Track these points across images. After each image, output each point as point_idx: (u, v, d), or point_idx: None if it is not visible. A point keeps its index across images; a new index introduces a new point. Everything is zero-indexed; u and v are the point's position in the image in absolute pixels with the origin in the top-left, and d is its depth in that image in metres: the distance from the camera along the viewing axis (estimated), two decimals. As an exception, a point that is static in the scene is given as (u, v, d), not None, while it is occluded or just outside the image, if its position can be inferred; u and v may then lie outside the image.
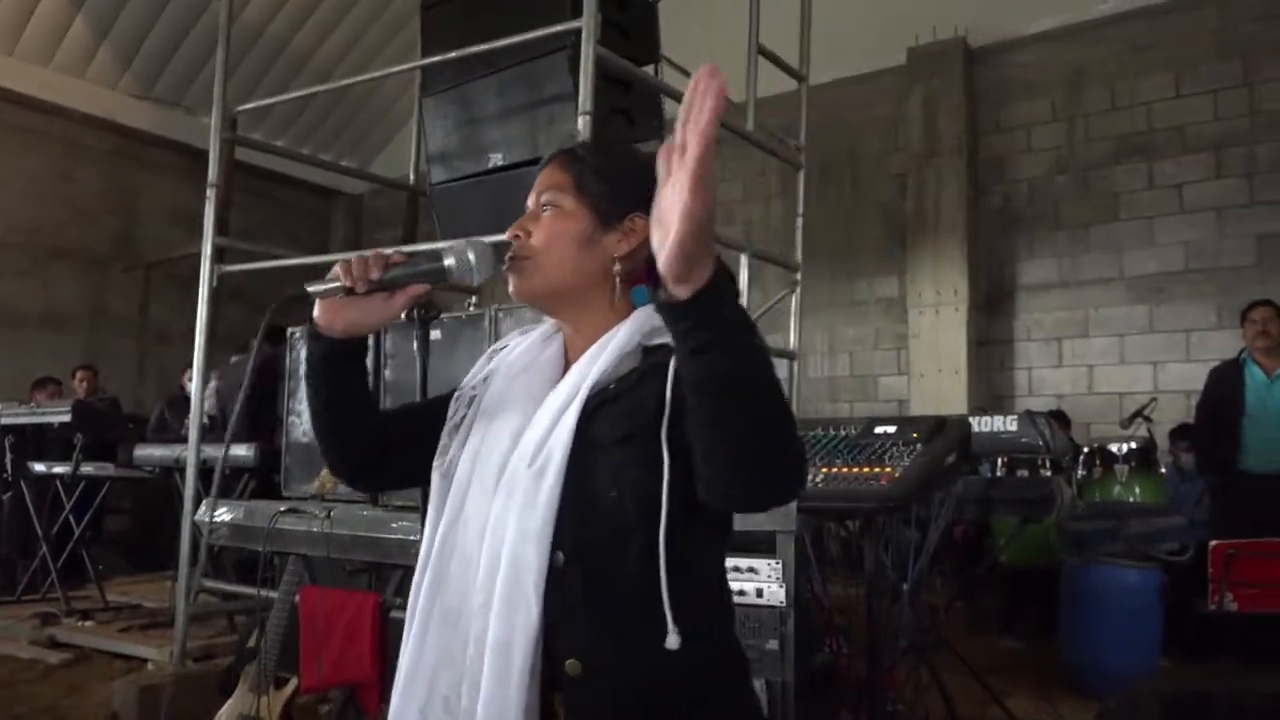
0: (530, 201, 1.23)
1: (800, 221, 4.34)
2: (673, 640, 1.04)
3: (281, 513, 2.58)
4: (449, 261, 1.15)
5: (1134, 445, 4.77)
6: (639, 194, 1.18)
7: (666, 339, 1.11)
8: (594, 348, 1.15)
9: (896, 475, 2.14)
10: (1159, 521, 3.93)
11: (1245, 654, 2.71)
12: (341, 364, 1.22)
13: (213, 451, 4.51)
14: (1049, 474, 4.29)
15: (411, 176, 4.84)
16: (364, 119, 10.45)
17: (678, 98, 3.73)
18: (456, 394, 1.26)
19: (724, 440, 0.96)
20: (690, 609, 1.06)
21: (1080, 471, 4.76)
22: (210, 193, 3.94)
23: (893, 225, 7.74)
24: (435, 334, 3.68)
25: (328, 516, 2.46)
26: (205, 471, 4.49)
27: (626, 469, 1.08)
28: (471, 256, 1.16)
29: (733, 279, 0.95)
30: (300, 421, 4.07)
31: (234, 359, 6.45)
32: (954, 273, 7.25)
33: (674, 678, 1.08)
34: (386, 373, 3.76)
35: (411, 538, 2.23)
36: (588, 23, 3.10)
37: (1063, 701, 3.64)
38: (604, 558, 1.09)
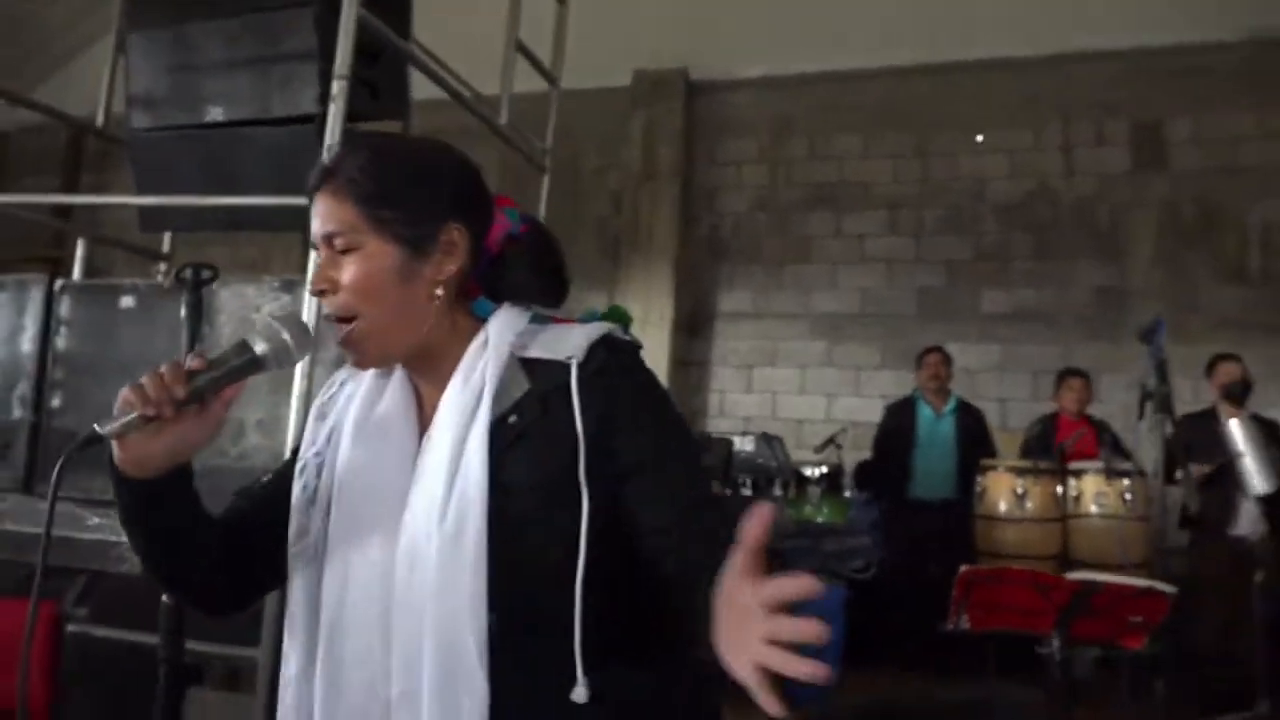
0: (315, 236, 1.07)
1: (539, 226, 4.25)
2: (580, 693, 0.96)
3: (-71, 502, 2.07)
4: (260, 349, 1.00)
5: (824, 470, 5.18)
6: (441, 200, 1.08)
7: (542, 350, 1.04)
8: (459, 374, 1.04)
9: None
10: (849, 541, 4.28)
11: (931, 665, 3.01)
12: (169, 504, 1.04)
13: None
14: (749, 493, 4.54)
15: (100, 117, 4.18)
16: (21, 44, 9.00)
17: (430, 76, 3.54)
18: (299, 464, 1.10)
19: None
20: (612, 657, 0.98)
21: (777, 492, 5.10)
22: None
23: (606, 240, 7.90)
24: (127, 301, 3.20)
25: (-4, 509, 2.01)
26: None
27: (549, 513, 0.99)
28: (287, 337, 1.01)
29: None
30: (-66, 390, 3.36)
31: None
32: (661, 294, 7.53)
33: None
34: (59, 341, 3.20)
35: (113, 539, 1.87)
36: (352, -21, 2.84)
37: (758, 712, 3.81)
38: (536, 611, 0.98)
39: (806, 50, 7.42)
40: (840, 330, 7.48)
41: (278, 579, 1.11)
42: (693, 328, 7.73)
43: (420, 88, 3.63)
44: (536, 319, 1.10)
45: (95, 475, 2.86)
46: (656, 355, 7.42)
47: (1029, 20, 6.91)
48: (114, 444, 0.98)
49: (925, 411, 5.16)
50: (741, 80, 7.83)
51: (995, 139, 7.24)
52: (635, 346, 1.09)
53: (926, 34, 7.09)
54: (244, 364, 1.00)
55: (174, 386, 0.96)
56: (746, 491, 4.11)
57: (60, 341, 3.21)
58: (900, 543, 4.75)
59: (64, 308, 3.24)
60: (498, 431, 1.00)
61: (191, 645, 2.30)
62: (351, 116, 3.27)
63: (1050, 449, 4.68)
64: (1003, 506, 4.46)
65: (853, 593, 4.10)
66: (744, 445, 3.09)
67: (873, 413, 6.71)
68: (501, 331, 1.06)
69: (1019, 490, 4.40)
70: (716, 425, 7.51)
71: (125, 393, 0.96)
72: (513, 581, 0.97)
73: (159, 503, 1.03)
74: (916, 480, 5.00)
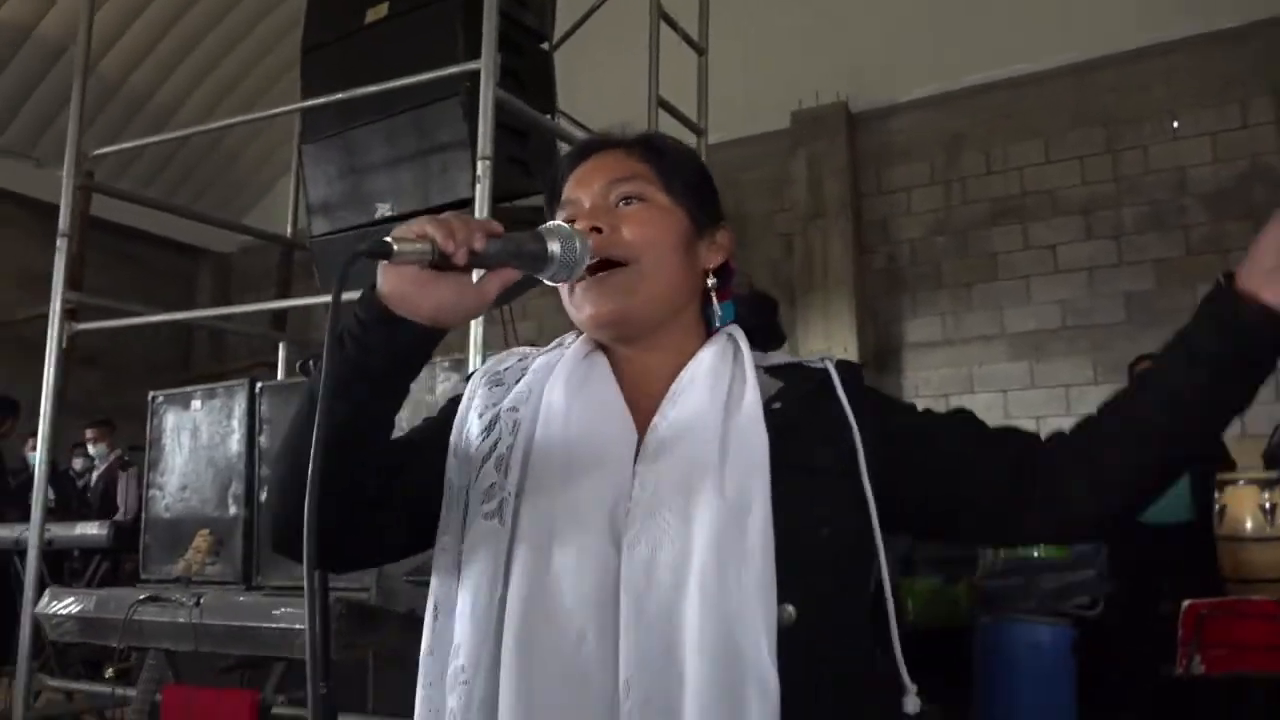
0: (582, 195, 1.00)
1: (704, 278, 4.23)
2: (912, 704, 0.91)
3: (141, 601, 2.24)
4: (554, 247, 0.91)
5: (1035, 499, 4.79)
6: (719, 204, 1.09)
7: (785, 360, 1.02)
8: (707, 363, 0.97)
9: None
10: (1070, 576, 3.92)
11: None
12: (415, 367, 0.91)
13: (60, 531, 4.04)
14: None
15: (289, 229, 4.53)
16: (233, 176, 9.99)
17: (577, 147, 3.62)
18: (484, 417, 0.98)
19: (1159, 469, 0.94)
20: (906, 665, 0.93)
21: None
22: (61, 243, 3.57)
23: (781, 284, 7.77)
24: (318, 396, 3.39)
25: (197, 604, 2.14)
26: (52, 554, 4.01)
27: (831, 504, 0.92)
28: (578, 247, 0.92)
29: None
30: (163, 495, 3.68)
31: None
32: (843, 330, 7.31)
33: None
34: (263, 440, 3.43)
35: (296, 626, 1.95)
36: (486, 63, 2.94)
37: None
38: (831, 608, 0.91)
39: (972, 63, 7.14)
40: (1042, 348, 7.00)
41: (406, 547, 1.01)
42: (880, 362, 7.44)
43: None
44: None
45: (286, 570, 3.03)
46: (845, 395, 7.19)
47: (1217, -10, 6.36)
48: (386, 272, 0.86)
49: (1145, 427, 4.70)
50: (904, 104, 7.60)
51: (1193, 123, 6.65)
52: None
53: (1103, 24, 6.65)
54: (534, 252, 0.91)
55: (476, 234, 0.85)
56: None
57: (264, 440, 3.45)
58: (1131, 575, 4.30)
59: (264, 407, 3.48)
60: (772, 415, 0.93)
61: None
62: (509, 195, 3.40)
63: (1300, 454, 4.14)
64: (1249, 525, 3.95)
65: (1080, 633, 3.74)
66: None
67: (1089, 433, 6.21)
68: (741, 338, 1.01)
69: (1267, 505, 3.89)
70: (917, 461, 7.15)
71: (420, 224, 0.84)
72: (804, 571, 0.87)
73: (412, 358, 0.90)
74: (1143, 503, 4.53)
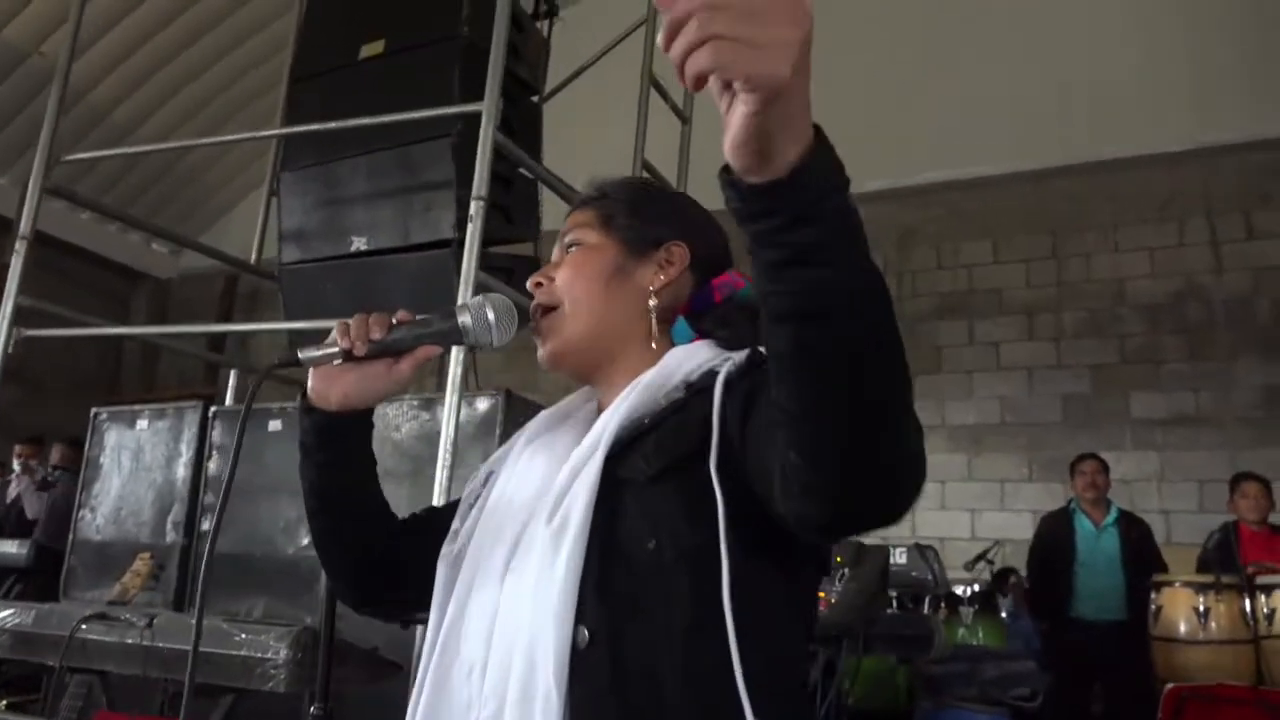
0: (555, 255, 1.10)
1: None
2: None
3: (87, 618, 2.10)
4: (464, 320, 1.01)
5: (977, 588, 4.86)
6: (675, 222, 1.07)
7: (698, 372, 0.93)
8: (627, 389, 0.96)
9: (834, 601, 2.00)
10: (1010, 666, 3.95)
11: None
12: (337, 443, 1.05)
13: (-25, 548, 3.82)
14: (895, 611, 4.27)
15: (254, 256, 4.43)
16: (187, 198, 9.78)
17: (561, 198, 3.64)
18: (474, 475, 1.08)
19: (825, 403, 0.67)
20: (766, 701, 0.79)
21: (926, 610, 4.78)
22: (20, 245, 3.43)
23: (731, 358, 7.86)
24: (275, 425, 3.28)
25: (149, 625, 2.01)
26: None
27: (665, 512, 0.86)
28: (490, 315, 1.01)
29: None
30: (94, 517, 3.52)
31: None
32: (789, 409, 7.38)
33: None
34: (211, 465, 3.31)
35: (259, 655, 1.85)
36: (489, 107, 2.95)
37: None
38: (641, 631, 0.84)
39: (929, 161, 7.40)
40: (981, 442, 7.16)
41: (420, 601, 1.03)
42: (824, 443, 7.52)
43: (547, 217, 3.72)
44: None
45: (242, 598, 2.92)
46: (787, 472, 7.23)
47: (1165, 115, 6.73)
48: (310, 372, 1.02)
49: (1084, 524, 4.81)
50: (861, 195, 7.67)
51: (1134, 237, 6.97)
52: None
53: (1058, 137, 6.97)
54: (444, 329, 1.02)
55: (374, 328, 0.98)
56: (891, 609, 3.86)
57: (212, 466, 3.32)
58: (1065, 667, 4.36)
59: (216, 433, 3.36)
60: (629, 429, 0.91)
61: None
62: (489, 240, 3.38)
63: (1233, 561, 4.26)
64: (1183, 627, 4.04)
65: (1018, 724, 3.77)
66: (895, 557, 2.93)
67: (1020, 528, 6.32)
68: (679, 356, 0.96)
69: (1200, 608, 3.99)
70: (854, 545, 7.20)
71: (334, 330, 0.99)
72: (611, 589, 0.85)
73: (329, 440, 1.04)
74: (1080, 599, 4.61)
